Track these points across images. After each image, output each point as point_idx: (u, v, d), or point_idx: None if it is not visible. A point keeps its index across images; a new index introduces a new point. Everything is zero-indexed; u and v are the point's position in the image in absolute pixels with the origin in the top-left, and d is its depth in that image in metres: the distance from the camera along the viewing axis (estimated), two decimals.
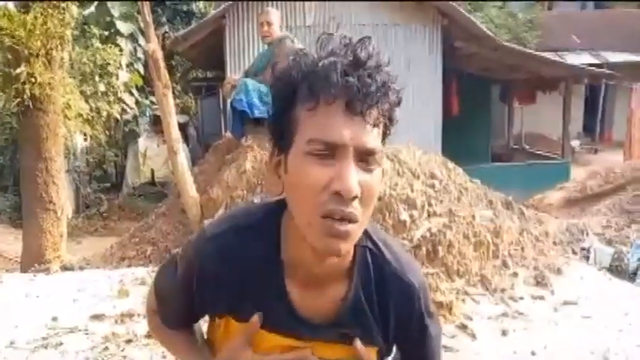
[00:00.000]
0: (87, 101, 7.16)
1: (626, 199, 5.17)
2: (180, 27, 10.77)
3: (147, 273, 3.53)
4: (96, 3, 8.33)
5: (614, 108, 13.49)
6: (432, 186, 3.97)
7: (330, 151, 0.70)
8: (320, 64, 0.71)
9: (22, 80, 4.10)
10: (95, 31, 7.96)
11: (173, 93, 4.90)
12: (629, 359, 2.61)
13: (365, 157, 0.71)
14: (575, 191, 6.10)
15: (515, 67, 8.82)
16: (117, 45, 8.05)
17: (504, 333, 2.82)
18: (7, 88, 4.35)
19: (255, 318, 0.82)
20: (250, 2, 7.25)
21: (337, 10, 7.56)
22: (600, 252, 3.95)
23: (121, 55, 7.90)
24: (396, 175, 3.90)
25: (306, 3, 7.46)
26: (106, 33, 8.08)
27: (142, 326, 2.68)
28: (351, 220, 0.70)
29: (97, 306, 3.03)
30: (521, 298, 3.23)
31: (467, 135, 9.51)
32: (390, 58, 0.76)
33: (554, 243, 4.20)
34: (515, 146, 12.02)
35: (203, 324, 0.95)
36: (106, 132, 8.40)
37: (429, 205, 3.77)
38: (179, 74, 12.39)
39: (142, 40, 8.60)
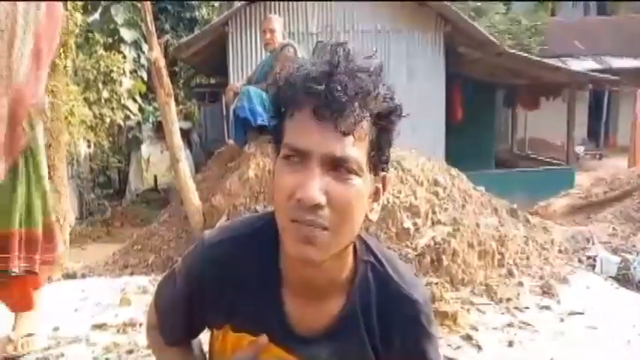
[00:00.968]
0: (90, 108, 7.19)
1: (631, 205, 5.12)
2: (184, 34, 10.81)
3: (149, 282, 3.51)
4: (100, 10, 8.37)
5: (619, 113, 13.47)
6: (436, 193, 3.94)
7: (299, 158, 0.70)
8: (296, 72, 0.72)
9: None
10: (99, 38, 8.00)
11: (176, 99, 4.91)
12: None
13: (337, 166, 0.69)
14: (580, 198, 6.04)
15: (519, 72, 8.81)
16: (120, 52, 8.09)
17: (510, 344, 2.77)
18: None
19: (264, 339, 0.81)
20: (253, 10, 7.27)
21: (339, 16, 7.57)
22: (606, 261, 3.90)
23: (125, 62, 7.94)
24: (400, 182, 3.88)
25: (309, 10, 7.47)
26: (110, 40, 8.12)
27: (143, 336, 2.64)
28: (316, 226, 0.69)
29: (99, 315, 3.02)
30: (527, 308, 3.18)
31: (470, 141, 9.48)
32: (384, 65, 0.74)
33: (560, 251, 4.16)
34: (519, 152, 11.99)
35: (203, 344, 0.93)
36: (110, 138, 8.43)
37: (433, 212, 3.74)
38: (182, 81, 12.44)
39: (145, 48, 8.63)
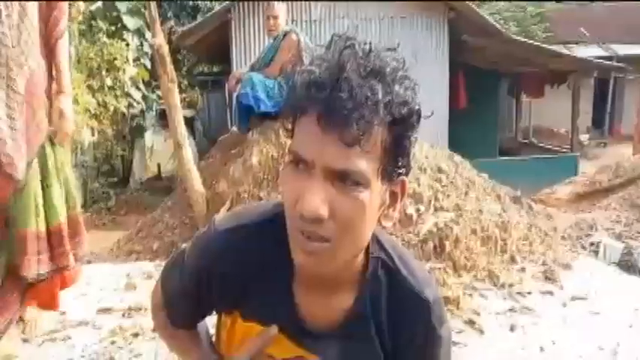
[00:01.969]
0: (94, 96, 7.19)
1: (636, 193, 5.10)
2: (187, 21, 10.76)
3: (153, 267, 3.54)
4: None
5: (624, 101, 13.37)
6: (439, 180, 3.94)
7: (304, 166, 0.66)
8: (302, 73, 0.67)
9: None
10: (102, 25, 7.96)
11: (179, 87, 4.89)
12: (639, 356, 2.58)
13: (342, 177, 0.64)
14: (584, 185, 6.03)
15: (524, 60, 8.74)
16: (124, 40, 8.05)
17: (512, 328, 2.79)
18: None
19: (275, 329, 0.80)
20: None
21: (342, 3, 7.51)
22: (610, 247, 3.91)
23: (128, 49, 7.90)
24: None
25: None
26: (113, 28, 8.07)
27: (148, 320, 2.67)
28: (317, 239, 0.66)
29: (104, 300, 3.05)
30: (530, 293, 3.20)
31: (474, 128, 9.45)
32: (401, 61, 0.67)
33: (563, 238, 4.16)
34: (523, 140, 11.94)
35: (211, 328, 0.94)
36: (113, 126, 8.42)
37: (436, 199, 3.75)
38: (185, 68, 12.40)
39: (148, 35, 8.59)
